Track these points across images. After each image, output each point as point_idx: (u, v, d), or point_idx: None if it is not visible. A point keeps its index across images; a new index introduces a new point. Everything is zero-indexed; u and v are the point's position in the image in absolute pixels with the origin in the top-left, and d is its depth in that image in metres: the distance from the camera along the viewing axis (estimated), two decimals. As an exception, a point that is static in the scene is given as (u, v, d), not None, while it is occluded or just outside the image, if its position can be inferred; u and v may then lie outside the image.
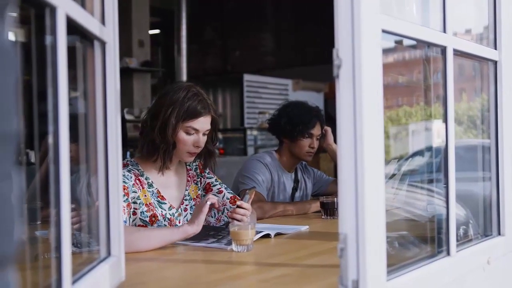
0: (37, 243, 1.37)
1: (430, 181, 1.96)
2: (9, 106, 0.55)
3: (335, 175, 4.30)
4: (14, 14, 0.60)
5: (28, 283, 1.15)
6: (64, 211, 1.00)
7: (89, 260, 1.30)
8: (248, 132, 7.45)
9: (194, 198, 2.34)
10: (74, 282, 1.07)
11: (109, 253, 1.35)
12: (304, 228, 2.33)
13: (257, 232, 2.02)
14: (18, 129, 0.57)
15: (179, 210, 2.27)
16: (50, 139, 0.99)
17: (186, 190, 2.32)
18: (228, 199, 2.32)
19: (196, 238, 2.03)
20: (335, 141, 3.09)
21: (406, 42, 1.53)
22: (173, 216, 2.23)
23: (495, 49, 1.79)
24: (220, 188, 2.37)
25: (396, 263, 1.33)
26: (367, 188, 1.15)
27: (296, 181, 3.11)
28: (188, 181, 2.34)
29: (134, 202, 2.11)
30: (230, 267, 1.70)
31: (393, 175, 2.29)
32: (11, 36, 0.58)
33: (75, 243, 1.32)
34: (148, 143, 2.18)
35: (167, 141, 2.14)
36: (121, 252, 1.38)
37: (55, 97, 0.99)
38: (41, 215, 1.95)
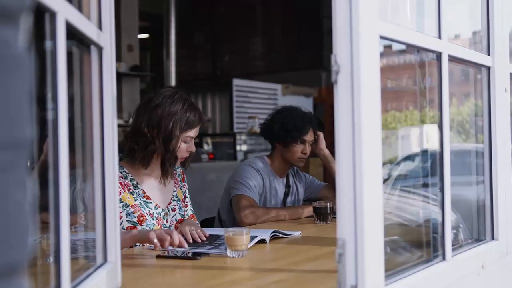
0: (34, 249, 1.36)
1: (422, 186, 1.97)
2: (23, 114, 0.55)
3: (324, 179, 4.32)
4: (29, 20, 0.60)
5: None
6: (63, 217, 0.99)
7: (85, 266, 1.30)
8: (238, 136, 7.43)
9: (182, 200, 2.43)
10: (72, 289, 1.07)
11: (105, 260, 1.35)
12: (298, 233, 2.33)
13: (252, 238, 2.01)
14: (31, 136, 0.57)
15: (166, 210, 2.33)
16: (50, 145, 0.99)
17: (174, 191, 2.40)
18: (188, 216, 2.43)
19: (193, 244, 2.02)
20: (326, 146, 3.10)
21: (396, 47, 1.54)
22: (160, 215, 2.29)
23: (488, 55, 1.80)
24: (187, 202, 2.49)
25: (393, 268, 1.34)
26: (365, 194, 1.15)
27: (287, 186, 3.11)
28: (175, 183, 2.43)
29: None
30: (226, 272, 1.70)
31: (385, 180, 2.30)
32: (25, 42, 0.58)
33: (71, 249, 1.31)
34: (149, 153, 2.23)
35: (173, 153, 2.23)
36: (117, 258, 1.38)
37: (55, 102, 0.99)
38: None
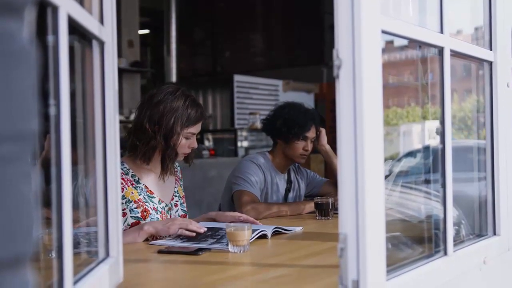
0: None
1: (424, 182, 1.97)
2: (29, 106, 0.55)
3: (325, 176, 4.32)
4: (33, 13, 0.60)
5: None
6: (65, 212, 0.99)
7: (87, 261, 1.30)
8: (239, 133, 7.42)
9: (182, 197, 2.45)
10: (75, 283, 1.07)
11: (107, 254, 1.35)
12: (299, 229, 2.33)
13: (253, 231, 2.01)
14: (36, 129, 0.57)
15: (169, 204, 2.36)
16: (52, 140, 0.99)
17: (175, 187, 2.43)
18: (179, 216, 2.41)
19: (195, 239, 2.02)
20: (328, 142, 3.10)
21: (397, 42, 1.54)
22: (164, 210, 2.31)
23: (491, 50, 1.80)
24: (182, 202, 2.48)
25: (394, 263, 1.34)
26: (367, 188, 1.15)
27: (289, 182, 3.11)
28: (176, 180, 2.45)
29: (121, 203, 2.15)
30: (228, 268, 1.70)
31: (386, 176, 2.30)
32: (30, 35, 0.58)
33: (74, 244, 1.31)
34: (150, 149, 2.24)
35: (173, 148, 2.24)
36: (119, 253, 1.38)
37: (57, 97, 0.98)
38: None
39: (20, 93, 0.55)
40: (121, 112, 7.28)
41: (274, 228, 2.18)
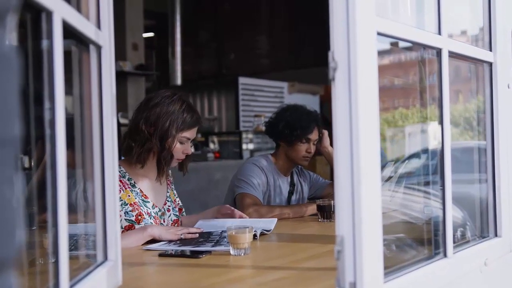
0: (33, 248, 1.36)
1: (427, 184, 1.96)
2: (11, 111, 0.55)
3: (331, 178, 4.31)
4: (15, 19, 0.60)
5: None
6: (61, 216, 1.00)
7: (86, 265, 1.30)
8: (244, 135, 7.42)
9: (173, 201, 2.46)
10: (71, 286, 1.07)
11: (106, 258, 1.35)
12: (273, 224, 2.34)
13: None
14: (19, 134, 0.57)
15: (163, 209, 2.37)
16: (47, 144, 0.99)
17: (167, 192, 2.44)
18: (171, 221, 2.42)
19: (190, 243, 2.02)
20: (331, 144, 3.09)
21: (401, 44, 1.54)
22: (157, 215, 2.32)
23: (490, 50, 1.79)
24: (174, 206, 2.47)
25: (393, 265, 1.33)
26: (363, 190, 1.15)
27: (292, 184, 3.11)
28: (168, 185, 2.46)
29: None
30: (228, 270, 1.70)
31: (390, 177, 2.29)
32: (12, 41, 0.58)
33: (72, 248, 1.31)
34: (145, 151, 2.25)
35: (168, 151, 2.25)
36: (118, 256, 1.38)
37: (52, 101, 0.99)
38: (37, 220, 1.95)
39: (2, 98, 0.55)
40: (125, 116, 7.28)
41: (261, 230, 2.22)
